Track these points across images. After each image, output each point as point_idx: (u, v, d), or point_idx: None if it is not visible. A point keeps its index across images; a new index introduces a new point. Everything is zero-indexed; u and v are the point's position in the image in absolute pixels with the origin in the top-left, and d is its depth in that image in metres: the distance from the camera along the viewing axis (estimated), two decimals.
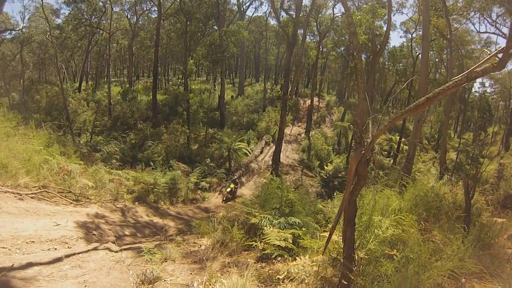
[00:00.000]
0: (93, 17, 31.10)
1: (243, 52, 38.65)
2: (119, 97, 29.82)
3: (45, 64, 37.38)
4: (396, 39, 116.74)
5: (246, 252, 5.42)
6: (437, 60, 33.91)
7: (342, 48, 33.92)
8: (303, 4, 24.98)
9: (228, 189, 14.62)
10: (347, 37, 31.06)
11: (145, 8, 34.52)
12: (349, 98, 39.53)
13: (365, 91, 3.70)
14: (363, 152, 3.45)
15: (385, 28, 24.17)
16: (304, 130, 28.71)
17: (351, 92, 40.62)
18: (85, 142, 18.73)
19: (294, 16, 22.21)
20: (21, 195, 7.63)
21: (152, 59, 32.14)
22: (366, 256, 4.08)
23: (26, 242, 5.53)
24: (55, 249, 5.66)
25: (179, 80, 40.64)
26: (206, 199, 15.02)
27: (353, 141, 23.31)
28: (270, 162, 20.36)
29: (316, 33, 35.35)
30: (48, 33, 25.18)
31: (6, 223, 5.94)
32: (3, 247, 5.13)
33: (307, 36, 32.99)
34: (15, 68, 30.64)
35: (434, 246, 4.45)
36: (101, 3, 30.55)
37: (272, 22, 44.64)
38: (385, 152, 26.50)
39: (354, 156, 3.56)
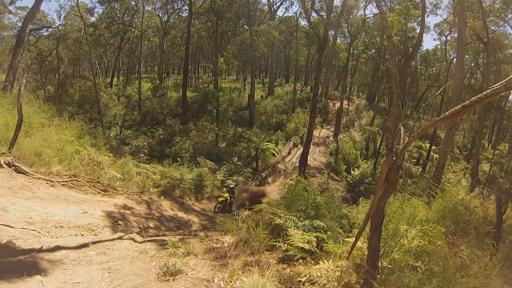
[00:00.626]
0: (126, 15, 32.36)
1: (273, 52, 38.52)
2: (149, 93, 30.53)
3: (79, 59, 38.95)
4: (429, 42, 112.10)
5: (269, 252, 5.39)
6: (472, 64, 32.44)
7: (373, 51, 33.08)
8: (334, 5, 24.67)
9: (221, 199, 12.64)
10: (378, 39, 30.35)
11: (176, 7, 35.16)
12: (379, 102, 38.56)
13: (399, 97, 3.60)
14: (394, 158, 3.36)
15: (418, 30, 23.43)
16: (333, 133, 28.33)
17: (382, 96, 39.57)
18: (114, 135, 19.36)
19: (325, 17, 21.93)
20: (52, 182, 7.95)
21: (183, 57, 32.83)
22: (389, 266, 3.97)
23: (55, 227, 5.75)
24: (82, 235, 5.88)
25: (209, 78, 41.13)
26: None
27: (383, 146, 22.87)
28: (297, 164, 20.27)
29: (347, 34, 34.85)
30: (83, 31, 26.36)
31: (37, 208, 6.19)
32: (34, 230, 5.34)
33: (338, 38, 32.57)
34: (51, 63, 31.89)
35: (460, 262, 4.28)
36: (133, 2, 31.59)
37: (303, 22, 43.96)
38: (414, 160, 25.69)
39: (385, 162, 3.47)
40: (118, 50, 37.31)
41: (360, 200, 8.22)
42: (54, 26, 31.78)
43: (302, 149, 20.78)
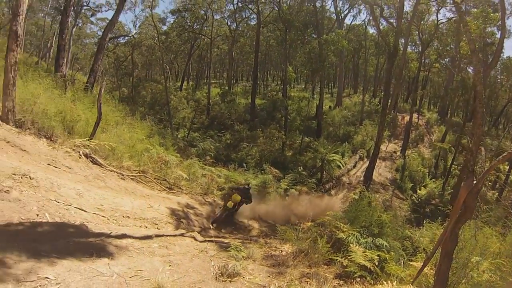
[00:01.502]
0: (196, 24, 34.31)
1: (341, 62, 37.58)
2: (217, 98, 31.73)
3: (152, 64, 42.19)
4: (510, 48, 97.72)
5: (327, 266, 5.30)
6: None
7: (447, 59, 30.49)
8: (403, 10, 23.34)
9: (229, 203, 8.37)
10: (452, 46, 27.95)
11: (244, 16, 35.97)
12: (452, 116, 35.47)
13: (482, 116, 3.33)
14: (475, 182, 3.10)
15: (498, 36, 21.13)
16: (400, 148, 26.80)
17: (455, 110, 36.33)
18: (182, 137, 20.49)
19: (394, 24, 20.94)
20: (123, 176, 8.62)
21: (251, 64, 33.72)
22: None
23: (123, 216, 6.23)
24: (146, 227, 6.30)
25: (278, 87, 41.39)
26: None
27: (455, 166, 21.05)
28: (362, 178, 19.78)
29: (417, 42, 32.64)
30: (156, 38, 28.77)
31: (108, 197, 6.74)
32: (103, 216, 5.84)
33: (408, 46, 30.52)
34: (126, 67, 35.01)
35: None
36: (202, 12, 33.37)
37: (371, 30, 42.32)
38: (490, 183, 23.07)
39: (464, 185, 3.22)
40: (188, 56, 39.44)
41: (425, 222, 7.65)
42: (130, 35, 35.34)
43: (368, 163, 20.23)
